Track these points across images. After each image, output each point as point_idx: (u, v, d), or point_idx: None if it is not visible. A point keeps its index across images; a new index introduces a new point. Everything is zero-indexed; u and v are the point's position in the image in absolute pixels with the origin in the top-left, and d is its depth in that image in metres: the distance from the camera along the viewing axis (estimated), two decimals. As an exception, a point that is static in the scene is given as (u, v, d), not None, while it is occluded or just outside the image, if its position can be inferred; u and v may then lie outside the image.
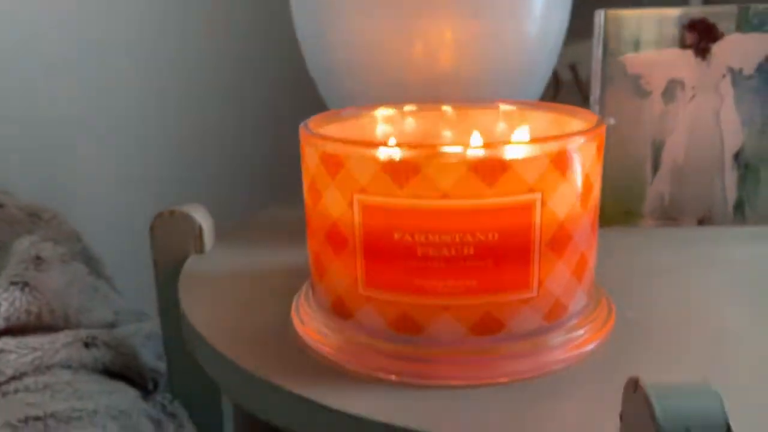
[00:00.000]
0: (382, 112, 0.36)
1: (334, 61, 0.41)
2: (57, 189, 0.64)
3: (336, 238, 0.29)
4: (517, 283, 0.28)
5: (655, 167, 0.45)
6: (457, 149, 0.26)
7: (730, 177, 0.45)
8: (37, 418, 0.38)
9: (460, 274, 0.27)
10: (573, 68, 0.79)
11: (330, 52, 0.41)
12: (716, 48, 0.43)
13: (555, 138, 0.27)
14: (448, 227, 0.27)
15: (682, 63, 0.43)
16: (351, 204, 0.28)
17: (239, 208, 0.60)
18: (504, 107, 0.36)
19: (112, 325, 0.49)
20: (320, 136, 0.29)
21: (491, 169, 0.26)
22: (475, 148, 0.26)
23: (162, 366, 0.48)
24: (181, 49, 0.70)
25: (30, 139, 0.64)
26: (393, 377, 0.28)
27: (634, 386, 0.22)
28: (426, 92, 0.39)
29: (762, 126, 0.44)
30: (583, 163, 0.28)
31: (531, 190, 0.26)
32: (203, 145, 0.73)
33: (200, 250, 0.43)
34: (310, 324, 0.32)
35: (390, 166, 0.26)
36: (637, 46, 0.43)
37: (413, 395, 0.27)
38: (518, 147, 0.26)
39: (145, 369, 0.47)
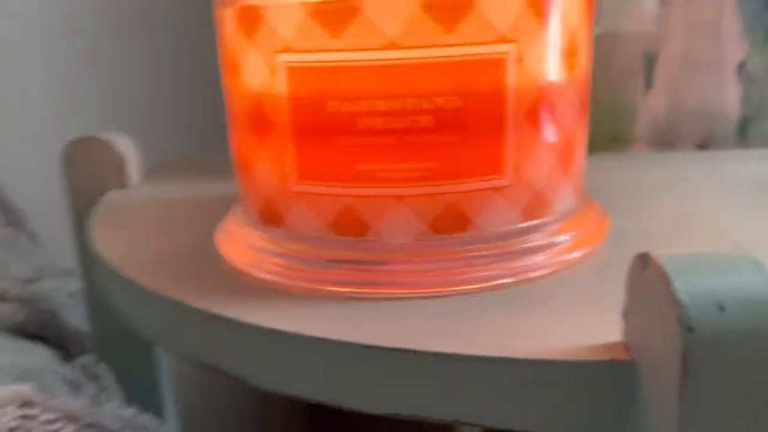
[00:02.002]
0: None
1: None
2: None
3: (259, 121, 0.23)
4: (489, 166, 0.22)
5: (648, 84, 0.40)
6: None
7: (733, 94, 0.40)
8: None
9: (416, 153, 0.21)
10: None
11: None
12: (715, -58, 0.38)
13: (532, -28, 0.21)
14: (398, 89, 0.21)
15: (676, -40, 0.38)
16: (274, 70, 0.22)
17: (177, 149, 0.53)
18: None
19: (31, 282, 0.43)
20: (236, -12, 0.23)
21: (451, 9, 0.20)
22: (429, -23, 0.20)
23: (89, 328, 0.42)
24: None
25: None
26: (337, 289, 0.22)
27: (642, 264, 0.16)
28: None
29: (767, 34, 0.39)
30: (568, 15, 0.22)
31: (502, 40, 0.21)
32: (135, 72, 0.64)
33: (122, 184, 0.37)
34: (236, 241, 0.26)
35: (320, 10, 0.20)
36: (624, -59, 0.38)
37: (363, 308, 0.21)
38: (484, -21, 0.20)
39: (67, 329, 0.40)
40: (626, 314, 0.18)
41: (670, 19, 0.39)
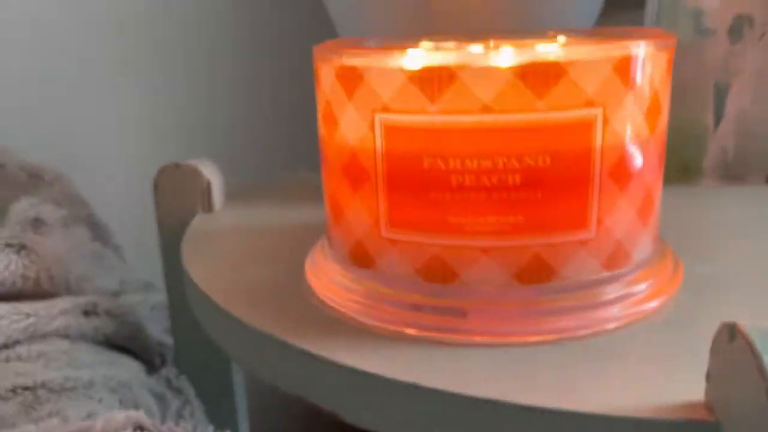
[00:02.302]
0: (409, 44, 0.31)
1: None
2: (61, 147, 0.59)
3: (355, 171, 0.25)
4: (573, 221, 0.23)
5: (718, 117, 0.40)
6: (501, 50, 0.21)
7: (805, 128, 0.40)
8: (26, 388, 0.34)
9: (504, 208, 0.22)
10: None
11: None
12: (791, -22, 0.38)
13: (619, 39, 0.22)
14: (490, 150, 0.22)
15: (751, -4, 0.38)
16: (372, 126, 0.23)
17: (254, 171, 0.56)
18: (556, 36, 0.31)
19: (116, 295, 0.46)
20: (337, 47, 0.24)
21: (543, 76, 0.21)
22: (524, 46, 0.21)
23: (169, 340, 0.44)
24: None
25: (30, 93, 0.59)
26: (421, 333, 0.24)
27: (729, 334, 0.17)
28: (459, 25, 0.34)
29: (843, 68, 0.39)
30: (652, 77, 0.23)
31: (590, 104, 0.22)
32: (217, 102, 0.68)
33: (208, 208, 0.39)
34: (325, 277, 0.27)
35: (419, 75, 0.22)
36: (699, -23, 0.38)
37: (446, 353, 0.23)
38: (576, 48, 0.21)
39: (151, 342, 0.43)
40: (710, 376, 0.19)
41: (743, 54, 0.39)
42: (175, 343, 0.43)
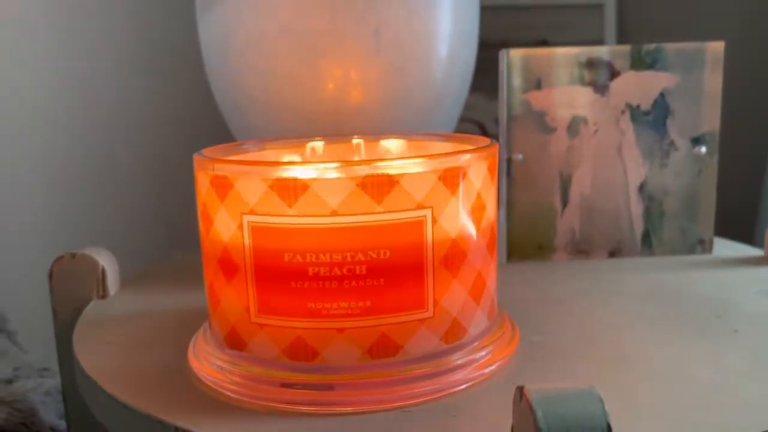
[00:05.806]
0: (284, 144, 0.36)
1: (242, 96, 0.40)
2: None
3: (228, 265, 0.28)
4: (412, 303, 0.27)
5: (564, 201, 0.46)
6: (344, 165, 0.26)
7: (636, 210, 0.47)
8: None
9: (354, 294, 0.26)
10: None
11: (238, 87, 0.40)
12: (614, 85, 0.45)
13: (442, 155, 0.27)
14: (339, 246, 0.26)
15: (583, 99, 0.45)
16: (241, 226, 0.27)
17: (147, 256, 0.58)
18: (405, 138, 0.36)
19: (9, 382, 0.46)
20: (210, 159, 0.28)
21: (379, 186, 0.26)
22: (362, 163, 0.26)
23: (63, 424, 0.45)
24: (87, 85, 0.68)
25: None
26: (290, 407, 0.27)
27: (519, 395, 0.22)
28: (333, 127, 0.39)
29: (662, 159, 0.46)
30: (474, 182, 0.28)
31: (420, 207, 0.26)
32: (110, 190, 0.71)
33: (103, 294, 0.41)
34: (205, 360, 0.30)
35: (278, 185, 0.26)
36: (539, 84, 0.45)
37: (312, 423, 0.26)
38: (405, 163, 0.26)
39: (43, 427, 0.44)
40: (513, 430, 0.23)
41: (580, 148, 0.46)
42: (69, 427, 0.43)
